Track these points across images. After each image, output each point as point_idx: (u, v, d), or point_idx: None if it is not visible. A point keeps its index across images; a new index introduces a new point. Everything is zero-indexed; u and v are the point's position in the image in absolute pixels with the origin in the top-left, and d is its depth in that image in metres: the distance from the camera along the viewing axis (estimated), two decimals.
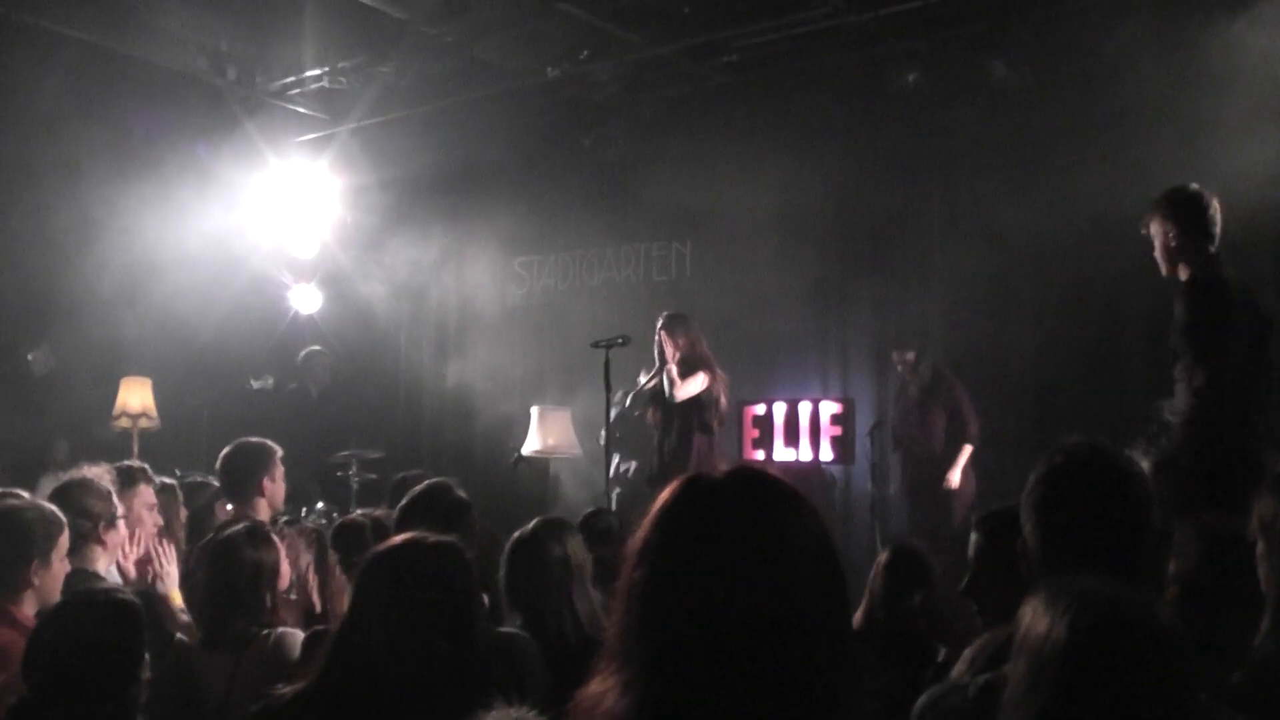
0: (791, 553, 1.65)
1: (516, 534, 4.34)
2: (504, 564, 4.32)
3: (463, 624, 3.02)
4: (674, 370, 8.86)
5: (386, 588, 3.01)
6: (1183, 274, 5.79)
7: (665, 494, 1.74)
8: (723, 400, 8.98)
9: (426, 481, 4.16)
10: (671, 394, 8.83)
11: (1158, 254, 5.93)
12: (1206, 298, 5.61)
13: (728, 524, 1.66)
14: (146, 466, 5.78)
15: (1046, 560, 2.53)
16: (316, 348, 11.40)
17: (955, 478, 9.04)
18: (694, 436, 8.80)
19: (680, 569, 1.65)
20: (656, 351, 9.02)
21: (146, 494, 5.48)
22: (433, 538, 3.12)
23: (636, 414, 9.60)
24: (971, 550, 3.47)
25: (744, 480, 1.73)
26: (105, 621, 3.37)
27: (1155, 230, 5.95)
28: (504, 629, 3.92)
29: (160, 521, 5.49)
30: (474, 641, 3.04)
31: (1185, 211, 5.82)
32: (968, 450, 9.09)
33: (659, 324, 9.02)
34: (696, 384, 8.79)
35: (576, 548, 4.29)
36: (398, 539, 3.18)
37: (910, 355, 9.37)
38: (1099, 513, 2.53)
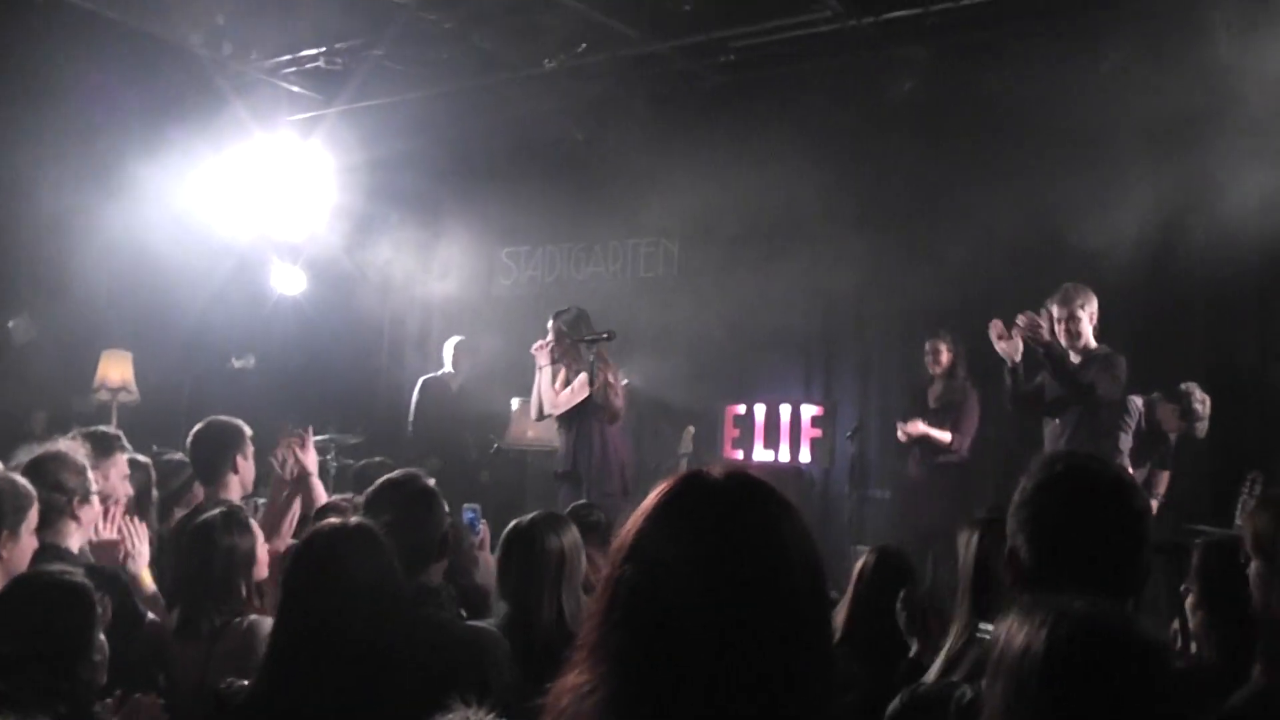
0: (784, 558, 1.65)
1: (513, 524, 4.33)
2: (498, 553, 4.31)
3: (392, 607, 3.02)
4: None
5: (304, 577, 3.02)
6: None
7: (659, 490, 1.72)
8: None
9: (399, 470, 4.12)
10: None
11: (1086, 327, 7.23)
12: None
13: (722, 525, 1.65)
14: (120, 434, 5.74)
15: (1038, 573, 2.48)
16: (460, 337, 11.34)
17: (924, 427, 8.90)
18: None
19: (670, 566, 1.63)
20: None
21: (122, 463, 5.44)
22: (349, 523, 3.13)
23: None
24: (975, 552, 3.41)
25: (738, 482, 1.71)
26: (50, 604, 3.35)
27: (1090, 310, 7.25)
28: (474, 623, 3.88)
29: (131, 492, 5.43)
30: (397, 625, 3.04)
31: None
32: (947, 436, 8.90)
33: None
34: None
35: (572, 544, 4.27)
36: (315, 529, 3.19)
37: (941, 345, 9.15)
38: (1101, 528, 2.48)
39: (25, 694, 3.16)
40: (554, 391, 8.50)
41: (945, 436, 8.90)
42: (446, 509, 3.95)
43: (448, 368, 11.13)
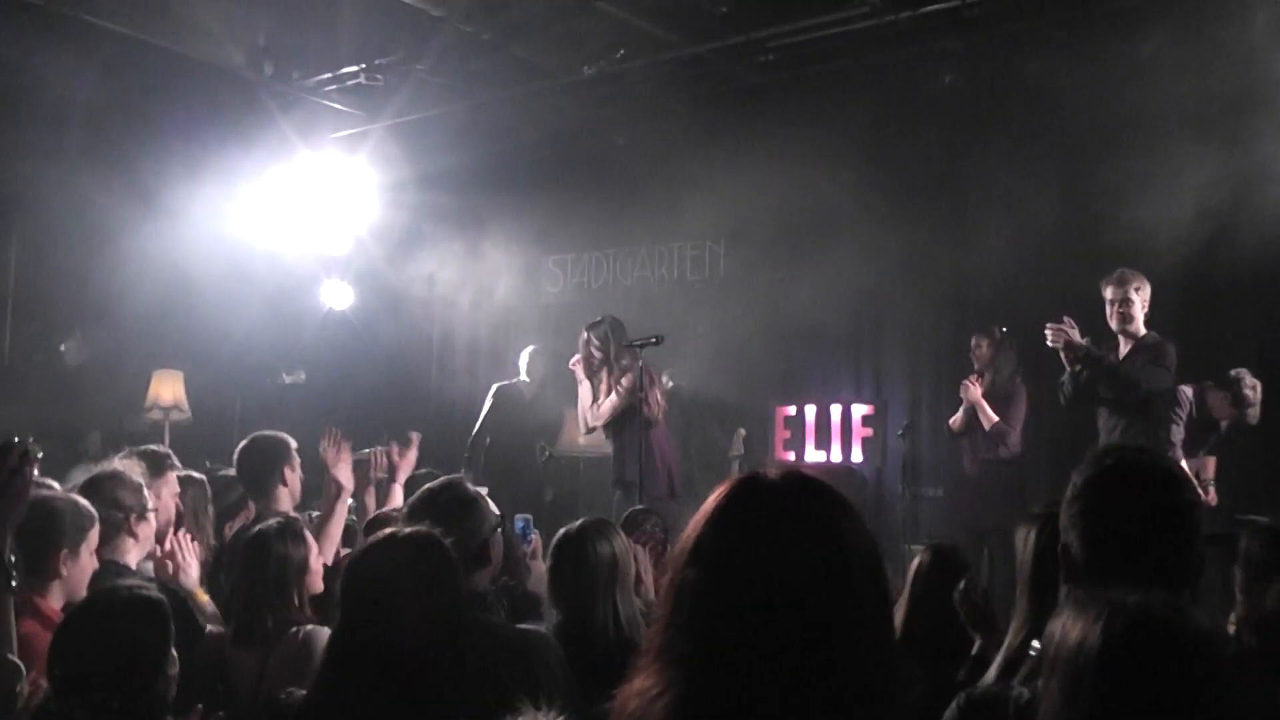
0: (845, 557, 1.66)
1: (562, 531, 4.34)
2: (549, 561, 4.33)
3: (446, 613, 3.02)
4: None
5: (366, 586, 3.02)
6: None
7: (718, 493, 1.74)
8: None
9: (440, 479, 4.14)
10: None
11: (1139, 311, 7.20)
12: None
13: (783, 526, 1.67)
14: (171, 453, 5.80)
15: (1091, 567, 2.46)
16: (535, 346, 11.28)
17: (979, 397, 8.88)
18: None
19: (734, 568, 1.65)
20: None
21: (173, 481, 5.50)
22: (407, 530, 3.13)
23: None
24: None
25: (798, 483, 1.73)
26: (130, 618, 3.36)
27: (1143, 295, 7.24)
28: (522, 626, 3.88)
29: (177, 510, 5.48)
30: (460, 631, 3.04)
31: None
32: (994, 416, 8.84)
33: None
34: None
35: (621, 548, 4.28)
36: (374, 537, 3.19)
37: (983, 340, 9.10)
38: (1152, 521, 2.45)
39: (104, 709, 3.18)
40: (594, 406, 8.54)
41: (992, 415, 8.85)
42: (496, 513, 3.95)
43: (523, 375, 10.95)
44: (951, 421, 9.14)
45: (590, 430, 8.77)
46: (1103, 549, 2.46)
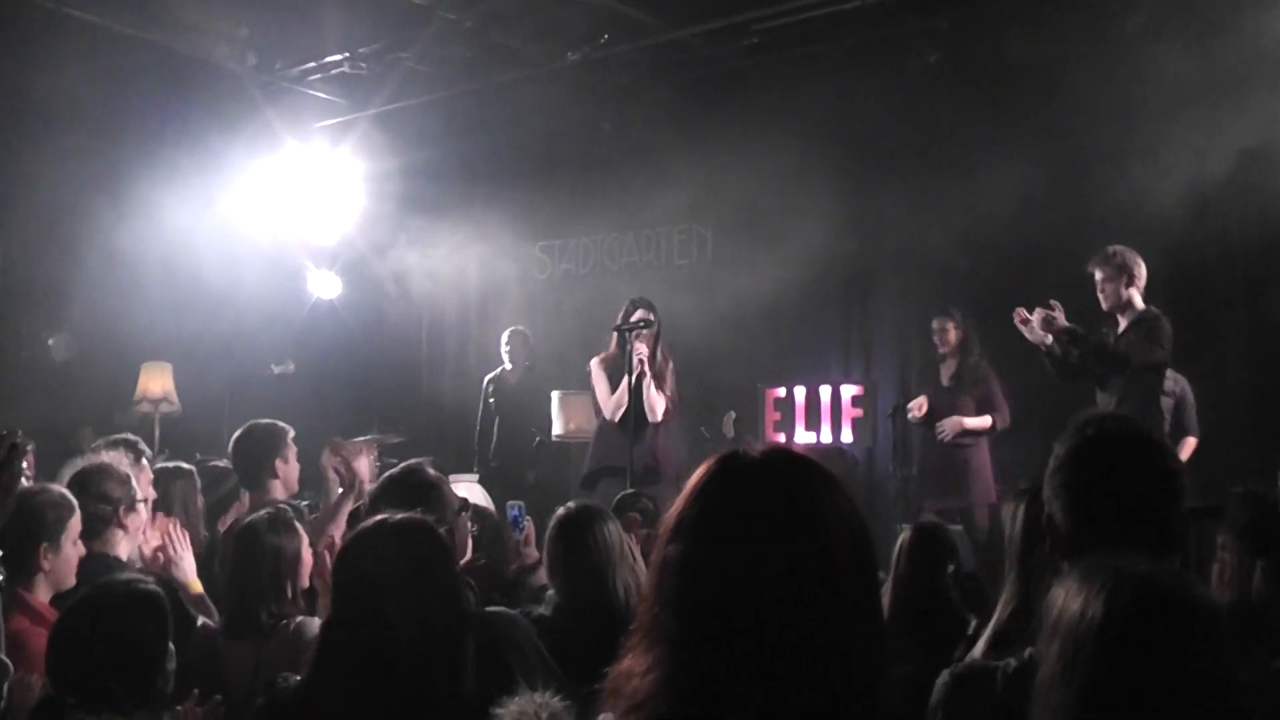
0: (828, 532, 1.66)
1: (560, 513, 4.40)
2: (548, 545, 4.36)
3: (440, 599, 3.02)
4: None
5: (357, 573, 3.02)
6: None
7: (701, 471, 1.74)
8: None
9: (400, 465, 4.16)
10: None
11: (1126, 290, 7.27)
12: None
13: (766, 501, 1.67)
14: (139, 440, 5.82)
15: (1076, 538, 2.46)
16: (515, 327, 11.19)
17: (964, 422, 8.82)
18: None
19: (716, 545, 1.66)
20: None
21: (148, 470, 5.51)
22: (398, 516, 3.13)
23: None
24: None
25: (781, 459, 1.73)
26: (128, 612, 3.37)
27: (1131, 273, 7.29)
28: (491, 609, 3.87)
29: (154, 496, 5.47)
30: (458, 615, 3.04)
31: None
32: (988, 420, 8.86)
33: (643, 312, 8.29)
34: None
35: (617, 530, 4.32)
36: (363, 524, 3.19)
37: (949, 324, 9.10)
38: (1137, 489, 2.46)
39: (104, 702, 3.19)
40: (608, 399, 8.32)
41: (985, 421, 8.87)
42: (460, 498, 3.97)
43: (506, 363, 10.90)
44: (913, 411, 9.13)
45: (614, 419, 8.35)
46: (1087, 519, 2.46)
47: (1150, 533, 2.40)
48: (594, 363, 8.45)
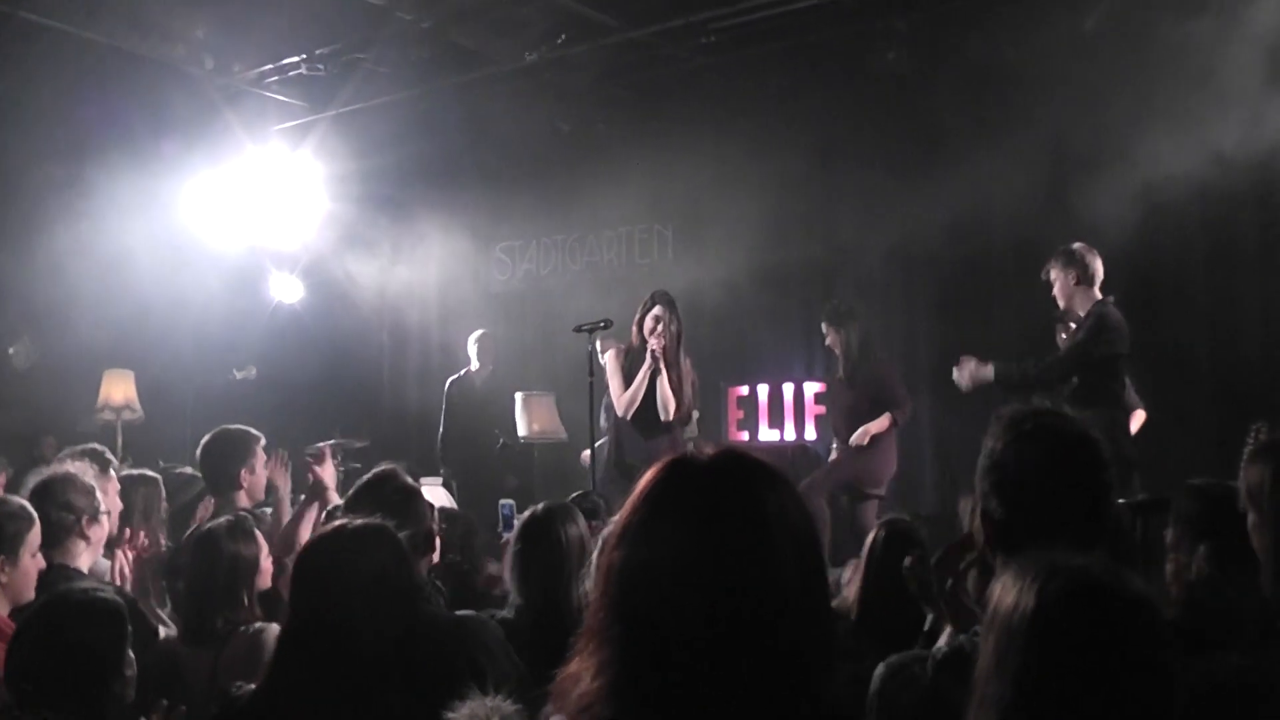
0: (772, 534, 1.66)
1: (527, 515, 4.40)
2: (514, 545, 4.35)
3: (401, 604, 3.03)
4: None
5: (318, 578, 3.02)
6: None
7: (649, 475, 1.75)
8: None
9: (375, 470, 4.16)
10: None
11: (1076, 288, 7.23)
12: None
13: (709, 504, 1.67)
14: (107, 450, 5.78)
15: (1012, 531, 2.49)
16: (482, 331, 11.11)
17: (869, 429, 8.66)
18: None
19: (660, 549, 1.66)
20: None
21: (114, 480, 5.48)
22: (357, 521, 3.13)
23: None
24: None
25: (727, 461, 1.73)
26: (85, 622, 3.36)
27: (1080, 269, 7.20)
28: (461, 612, 3.89)
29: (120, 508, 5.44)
30: (415, 620, 3.05)
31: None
32: (886, 419, 8.70)
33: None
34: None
35: (579, 531, 4.33)
36: (322, 530, 3.19)
37: (827, 329, 8.98)
38: (1069, 482, 2.50)
39: (62, 712, 3.18)
40: (621, 394, 8.09)
41: (884, 423, 8.72)
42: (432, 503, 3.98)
43: (473, 364, 10.89)
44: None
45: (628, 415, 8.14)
46: (1022, 513, 2.50)
47: (1086, 527, 2.44)
48: (610, 355, 8.24)
